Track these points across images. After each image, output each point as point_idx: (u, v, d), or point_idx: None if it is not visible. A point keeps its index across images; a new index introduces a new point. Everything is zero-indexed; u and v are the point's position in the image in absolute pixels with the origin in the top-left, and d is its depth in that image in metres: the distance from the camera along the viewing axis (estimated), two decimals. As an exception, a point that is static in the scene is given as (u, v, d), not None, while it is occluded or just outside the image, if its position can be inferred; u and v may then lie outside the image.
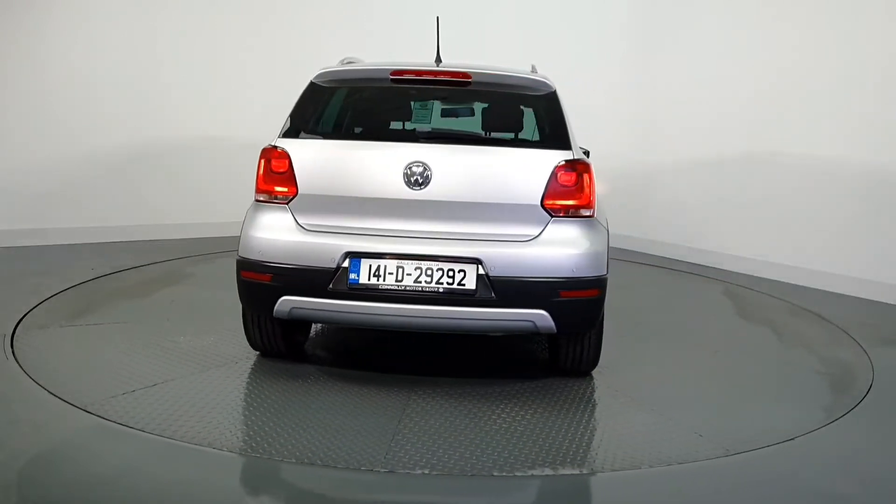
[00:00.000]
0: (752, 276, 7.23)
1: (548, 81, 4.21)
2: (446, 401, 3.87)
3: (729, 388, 4.33)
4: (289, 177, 3.90)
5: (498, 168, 3.88)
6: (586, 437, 3.55)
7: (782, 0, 7.23)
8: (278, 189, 3.91)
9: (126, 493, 2.89)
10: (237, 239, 3.99)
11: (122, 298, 5.57)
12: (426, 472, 3.13)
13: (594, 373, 4.35)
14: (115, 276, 6.17)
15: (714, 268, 7.59)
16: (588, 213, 3.88)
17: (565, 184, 3.83)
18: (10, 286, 5.66)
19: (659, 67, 8.27)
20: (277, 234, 3.86)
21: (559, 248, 3.78)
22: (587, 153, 4.85)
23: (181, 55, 7.82)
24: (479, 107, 4.59)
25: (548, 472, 3.20)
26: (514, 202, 3.83)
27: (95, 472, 3.03)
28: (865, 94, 6.60)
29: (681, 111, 8.00)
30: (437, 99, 4.49)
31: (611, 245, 4.08)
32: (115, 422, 3.42)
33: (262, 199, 3.98)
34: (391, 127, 4.53)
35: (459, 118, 4.69)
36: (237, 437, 3.40)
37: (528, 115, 4.37)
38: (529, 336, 4.55)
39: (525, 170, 3.87)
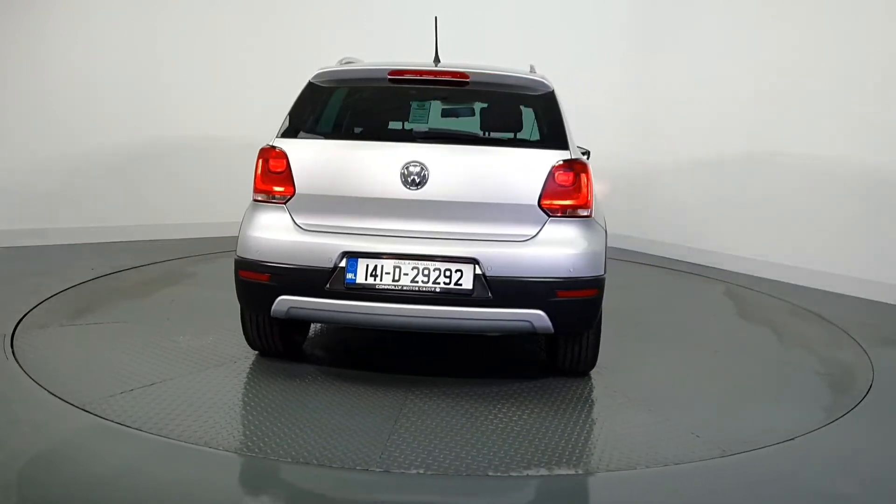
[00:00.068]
0: (752, 276, 7.23)
1: (546, 81, 4.21)
2: (443, 401, 3.87)
3: (728, 388, 4.32)
4: (286, 177, 3.90)
5: (495, 168, 3.88)
6: (583, 438, 3.54)
7: (782, 0, 7.22)
8: (276, 189, 3.92)
9: (126, 493, 2.90)
10: (237, 239, 3.99)
11: (122, 298, 5.58)
12: (421, 471, 3.13)
13: (593, 373, 4.34)
14: (115, 276, 6.18)
15: (714, 268, 7.60)
16: (585, 213, 3.88)
17: (563, 184, 3.83)
18: (10, 286, 5.67)
19: (659, 67, 8.27)
20: (275, 233, 3.87)
21: (556, 248, 3.78)
22: (587, 153, 4.85)
23: (181, 55, 7.83)
24: (477, 107, 4.59)
25: (543, 472, 3.20)
26: (511, 202, 3.83)
27: (95, 472, 3.03)
28: (865, 94, 6.60)
29: (681, 111, 8.00)
30: (435, 99, 4.49)
31: (611, 245, 4.08)
32: (113, 421, 3.43)
33: (259, 198, 3.99)
34: (389, 127, 4.53)
35: (459, 118, 4.69)
36: (234, 437, 3.40)
37: (527, 115, 4.37)
38: (528, 336, 4.54)
39: (522, 170, 3.87)
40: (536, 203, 3.81)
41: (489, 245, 3.75)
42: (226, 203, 6.56)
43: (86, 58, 7.35)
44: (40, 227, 7.19)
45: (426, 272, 3.71)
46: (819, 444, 3.61)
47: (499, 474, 3.15)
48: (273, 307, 3.85)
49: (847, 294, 6.64)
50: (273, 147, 3.98)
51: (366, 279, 3.72)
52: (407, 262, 3.72)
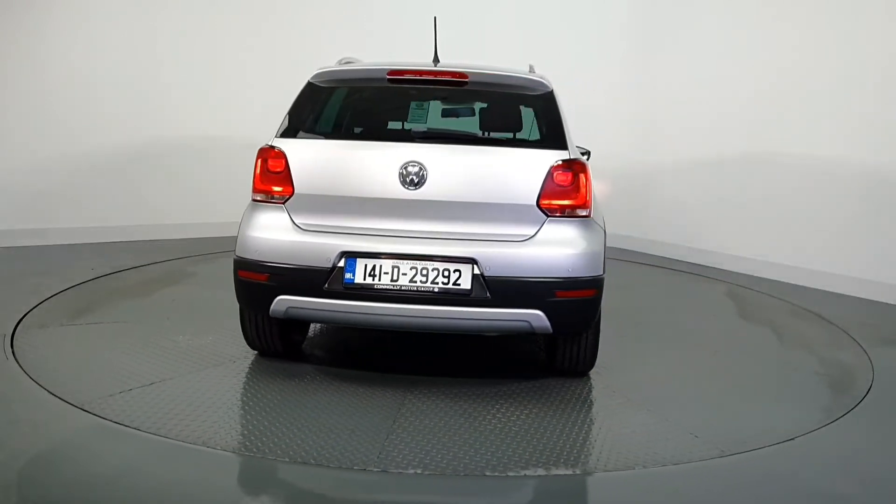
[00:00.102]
0: (752, 276, 7.23)
1: (545, 81, 4.21)
2: (442, 400, 3.87)
3: (728, 388, 4.32)
4: (285, 176, 3.91)
5: (494, 168, 3.88)
6: (581, 438, 3.54)
7: (782, 0, 7.22)
8: (275, 189, 3.92)
9: (126, 493, 2.90)
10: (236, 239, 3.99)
11: (122, 298, 5.58)
12: (419, 471, 3.13)
13: (592, 373, 4.34)
14: (116, 276, 6.19)
15: (714, 268, 7.59)
16: (584, 213, 3.87)
17: (561, 183, 3.82)
18: (10, 286, 5.67)
19: (659, 67, 8.27)
20: (274, 233, 3.87)
21: (555, 248, 3.77)
22: (588, 153, 4.85)
23: (181, 55, 7.83)
24: (476, 107, 4.59)
25: (540, 472, 3.20)
26: (509, 202, 3.82)
27: (95, 472, 3.03)
28: (865, 94, 6.59)
29: (681, 111, 8.00)
30: (434, 99, 4.49)
31: (610, 245, 4.08)
32: (111, 420, 3.43)
33: (258, 198, 3.99)
34: (388, 127, 4.53)
35: (459, 118, 4.69)
36: (232, 437, 3.40)
37: (526, 115, 4.37)
38: (528, 336, 4.54)
39: (521, 169, 3.87)
40: (535, 203, 3.81)
41: (487, 245, 3.75)
42: (226, 203, 6.55)
43: (86, 58, 7.36)
44: (40, 227, 7.19)
45: (424, 272, 3.71)
46: (819, 444, 3.60)
47: (496, 474, 3.15)
48: (272, 307, 3.85)
49: (847, 294, 6.64)
50: (272, 147, 3.98)
51: (364, 279, 3.72)
52: (405, 262, 3.72)
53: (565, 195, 3.83)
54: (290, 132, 4.07)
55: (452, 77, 4.07)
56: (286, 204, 3.90)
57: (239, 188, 5.18)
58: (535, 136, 4.20)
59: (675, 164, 8.15)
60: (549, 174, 3.82)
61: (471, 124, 4.56)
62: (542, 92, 4.17)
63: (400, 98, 4.43)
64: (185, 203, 7.92)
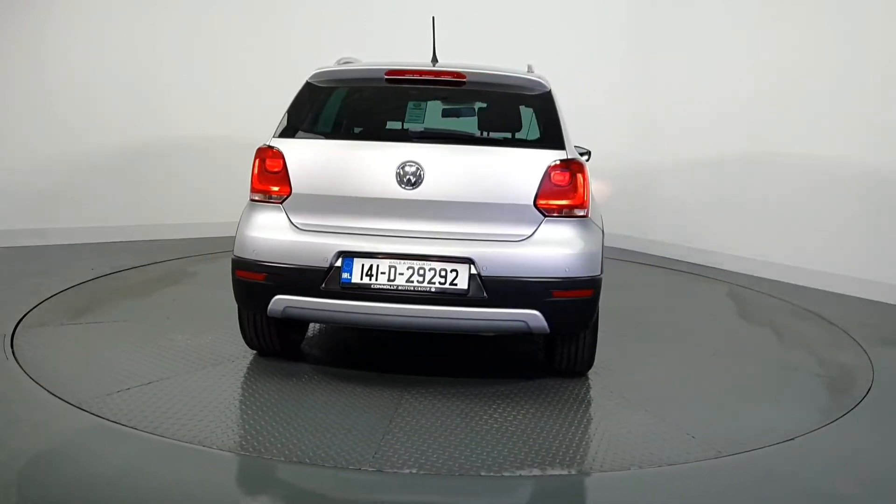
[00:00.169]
0: (753, 276, 7.23)
1: (543, 81, 4.21)
2: (439, 400, 3.87)
3: (728, 388, 4.31)
4: (283, 176, 3.91)
5: (491, 168, 3.88)
6: (577, 438, 3.53)
7: (782, 0, 7.21)
8: (272, 189, 3.92)
9: (126, 493, 2.90)
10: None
11: (122, 298, 5.59)
12: (414, 471, 3.13)
13: (591, 373, 4.33)
14: (116, 276, 6.19)
15: (714, 268, 7.59)
16: (582, 213, 3.87)
17: (559, 183, 3.82)
18: (10, 286, 5.68)
19: (659, 67, 8.27)
20: (271, 233, 3.87)
21: (552, 248, 3.77)
22: (588, 154, 4.85)
23: (181, 55, 7.84)
24: (474, 106, 4.59)
25: (536, 472, 3.19)
26: (507, 202, 3.82)
27: (95, 472, 3.03)
28: (865, 94, 6.59)
29: (681, 111, 7.99)
30: (432, 99, 4.48)
31: (611, 245, 4.08)
32: (108, 419, 3.44)
33: (256, 198, 3.99)
34: (386, 127, 4.52)
35: (456, 118, 4.68)
36: (228, 436, 3.40)
37: (524, 115, 4.37)
38: (527, 336, 4.54)
39: (518, 169, 3.86)
40: (532, 203, 3.80)
41: (485, 245, 3.75)
42: (226, 203, 6.55)
43: (86, 58, 7.36)
44: (40, 227, 7.20)
45: (421, 272, 3.71)
46: (819, 444, 3.60)
47: (492, 474, 3.15)
48: (269, 306, 3.85)
49: (847, 294, 6.64)
50: (270, 147, 3.98)
51: (361, 279, 3.72)
52: (402, 261, 3.72)
53: (563, 195, 3.82)
54: (288, 132, 4.07)
55: (450, 77, 4.07)
56: (284, 204, 3.90)
57: (239, 188, 5.18)
58: (533, 135, 4.20)
59: (675, 164, 8.15)
60: (547, 174, 3.82)
61: (469, 124, 4.56)
62: (540, 92, 4.16)
63: (398, 98, 4.43)
64: (185, 203, 7.93)
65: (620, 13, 8.54)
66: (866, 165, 6.60)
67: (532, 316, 3.71)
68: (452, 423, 3.61)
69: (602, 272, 3.91)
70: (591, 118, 7.46)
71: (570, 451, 3.39)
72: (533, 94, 4.18)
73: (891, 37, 6.44)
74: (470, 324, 3.77)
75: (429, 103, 4.48)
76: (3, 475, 2.94)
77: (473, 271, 3.69)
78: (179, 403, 3.67)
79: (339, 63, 4.53)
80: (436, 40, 4.70)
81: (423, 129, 4.39)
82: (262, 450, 3.25)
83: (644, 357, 4.76)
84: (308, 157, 3.98)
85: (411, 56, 4.84)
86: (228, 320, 4.58)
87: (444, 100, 4.53)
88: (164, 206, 7.88)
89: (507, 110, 4.36)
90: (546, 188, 3.81)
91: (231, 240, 4.03)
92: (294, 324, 4.41)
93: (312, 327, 4.92)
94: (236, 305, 4.15)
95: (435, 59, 4.61)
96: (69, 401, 3.61)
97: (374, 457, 3.23)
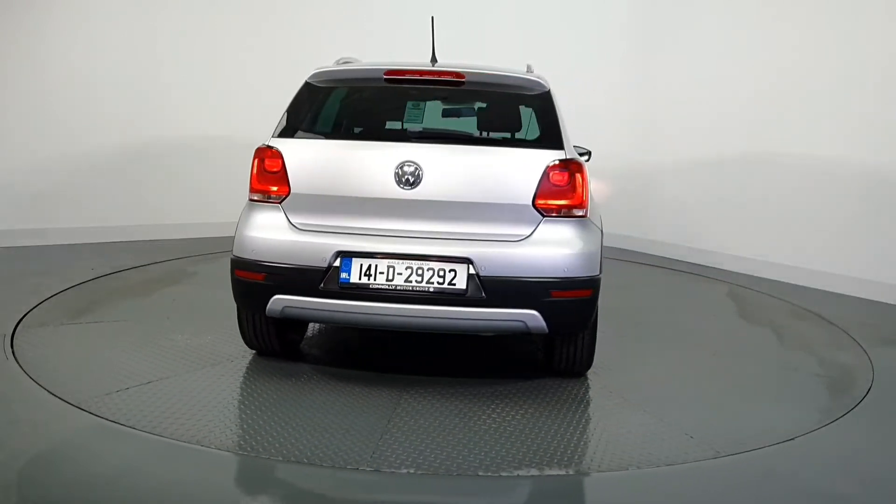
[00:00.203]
0: (753, 276, 7.23)
1: (542, 81, 4.20)
2: (438, 400, 3.87)
3: (728, 388, 4.31)
4: (281, 176, 3.91)
5: (490, 168, 3.88)
6: (575, 438, 3.53)
7: (782, 0, 7.21)
8: (271, 188, 3.92)
9: (126, 493, 2.90)
10: None
11: (122, 298, 5.59)
12: (411, 471, 3.13)
13: (590, 373, 4.33)
14: (116, 276, 6.19)
15: (714, 268, 7.59)
16: (581, 213, 3.86)
17: (557, 183, 3.82)
18: (10, 286, 5.68)
19: (659, 67, 8.26)
20: (270, 233, 3.87)
21: (550, 248, 3.76)
22: (589, 154, 4.85)
23: (181, 55, 7.84)
24: (474, 106, 4.59)
25: (534, 472, 3.19)
26: (505, 202, 3.81)
27: (95, 472, 3.03)
28: (865, 94, 6.58)
29: (681, 111, 7.99)
30: (431, 99, 4.48)
31: (611, 245, 4.08)
32: (108, 419, 3.44)
33: (255, 198, 3.99)
34: (384, 127, 4.52)
35: (459, 118, 4.69)
36: (226, 436, 3.40)
37: (523, 115, 4.37)
38: (527, 336, 4.54)
39: (517, 169, 3.86)
40: (531, 203, 3.80)
41: (483, 245, 3.75)
42: (226, 203, 6.55)
43: (86, 58, 7.37)
44: (40, 227, 7.20)
45: (420, 272, 3.70)
46: (819, 444, 3.60)
47: (489, 474, 3.14)
48: (268, 306, 3.85)
49: (847, 294, 6.63)
50: (269, 147, 3.99)
51: (360, 279, 3.72)
52: (401, 261, 3.72)
53: (561, 195, 3.82)
54: (286, 132, 4.08)
55: (449, 77, 4.07)
56: (282, 203, 3.91)
57: (239, 188, 5.18)
58: (532, 135, 4.20)
59: (675, 164, 8.14)
60: (546, 174, 3.81)
61: (468, 124, 4.56)
62: (538, 92, 4.16)
63: (397, 98, 4.42)
64: (185, 203, 7.93)
65: (620, 13, 8.54)
66: (866, 165, 6.60)
67: (530, 316, 3.71)
68: (451, 422, 3.60)
69: (601, 272, 3.91)
70: (591, 118, 7.46)
71: (569, 452, 3.38)
72: (532, 93, 4.17)
73: (891, 37, 6.44)
74: (468, 324, 3.77)
75: (428, 103, 4.48)
76: (3, 475, 2.94)
77: (472, 271, 3.69)
78: (178, 403, 3.67)
79: (338, 63, 4.53)
80: (435, 40, 4.70)
81: (421, 129, 4.39)
82: (261, 449, 3.25)
83: (644, 357, 4.76)
84: (307, 157, 3.98)
85: (411, 56, 4.84)
86: (228, 320, 4.58)
87: (443, 100, 4.53)
88: (164, 206, 7.89)
89: (506, 110, 4.35)
90: (545, 188, 3.80)
91: (231, 240, 4.04)
92: (293, 324, 4.41)
93: (312, 327, 4.92)
94: (235, 305, 4.15)
95: (434, 59, 4.61)
96: (69, 400, 3.61)
97: (371, 457, 3.22)
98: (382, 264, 3.73)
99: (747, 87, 7.43)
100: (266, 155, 3.96)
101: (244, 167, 4.05)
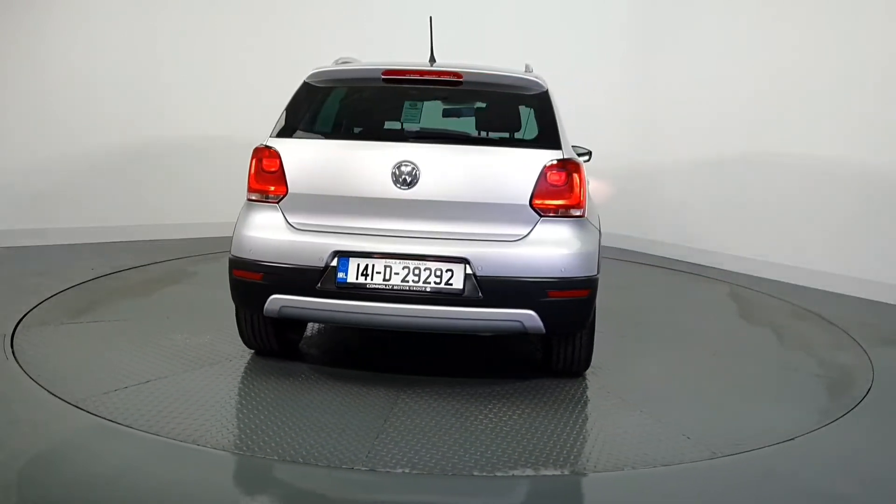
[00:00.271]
0: (753, 276, 7.22)
1: (540, 81, 4.20)
2: (435, 400, 3.87)
3: (727, 388, 4.30)
4: (279, 176, 3.91)
5: (487, 168, 3.87)
6: (572, 438, 3.53)
7: (782, 0, 7.20)
8: (269, 188, 3.93)
9: (126, 493, 2.90)
10: None
11: (122, 298, 5.60)
12: (406, 470, 3.13)
13: (588, 373, 4.33)
14: (116, 276, 6.20)
15: (714, 268, 7.58)
16: (578, 213, 3.86)
17: (555, 183, 3.81)
18: (10, 286, 5.68)
19: (659, 67, 8.26)
20: (268, 233, 3.88)
21: (548, 248, 3.76)
22: (589, 154, 4.84)
23: (181, 55, 7.84)
24: (474, 106, 4.59)
25: (529, 472, 3.19)
26: (502, 202, 3.81)
27: (95, 472, 3.03)
28: (865, 94, 6.58)
29: (681, 111, 7.98)
30: (429, 99, 4.48)
31: (611, 245, 4.08)
32: (106, 418, 3.44)
33: (253, 198, 4.00)
34: (382, 127, 4.51)
35: (456, 118, 4.68)
36: (223, 435, 3.40)
37: (521, 115, 4.36)
38: (526, 336, 4.54)
39: (514, 169, 3.85)
40: (528, 203, 3.79)
41: (480, 245, 3.74)
42: (226, 203, 6.55)
43: (86, 58, 7.37)
44: (40, 227, 7.20)
45: (417, 272, 3.70)
46: (819, 444, 3.59)
47: (484, 474, 3.14)
48: (265, 306, 3.85)
49: (847, 294, 6.62)
50: (266, 147, 3.99)
51: (357, 278, 3.72)
52: (398, 261, 3.72)
53: (559, 195, 3.82)
54: (285, 132, 4.08)
55: (447, 77, 4.07)
56: (280, 203, 3.91)
57: (238, 188, 5.17)
58: (530, 135, 4.20)
59: (675, 164, 8.14)
60: (543, 174, 3.81)
61: (466, 124, 4.56)
62: (536, 92, 4.15)
63: (395, 98, 4.42)
64: (185, 203, 7.93)
65: (620, 13, 8.54)
66: (866, 165, 6.59)
67: (527, 316, 3.71)
68: (447, 422, 3.60)
69: (599, 272, 3.90)
70: (591, 118, 7.46)
71: (564, 452, 3.38)
72: (530, 93, 4.17)
73: (891, 37, 6.43)
74: (465, 324, 3.77)
75: (426, 103, 4.48)
76: (3, 475, 2.94)
77: (469, 271, 3.69)
78: (176, 402, 3.67)
79: (337, 63, 4.53)
80: (433, 40, 4.70)
81: (419, 129, 4.39)
82: (256, 449, 3.25)
83: (643, 357, 4.75)
84: (304, 157, 3.98)
85: (411, 56, 4.84)
86: (227, 320, 4.58)
87: (441, 100, 4.53)
88: (164, 206, 7.89)
89: (504, 110, 4.35)
90: (542, 188, 3.80)
91: (230, 240, 4.04)
92: (292, 323, 4.41)
93: (311, 327, 4.92)
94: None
95: (433, 59, 4.61)
96: (68, 400, 3.62)
97: (367, 456, 3.22)
98: (379, 264, 3.73)
99: (747, 87, 7.42)
100: (264, 155, 3.96)
101: (244, 167, 4.05)
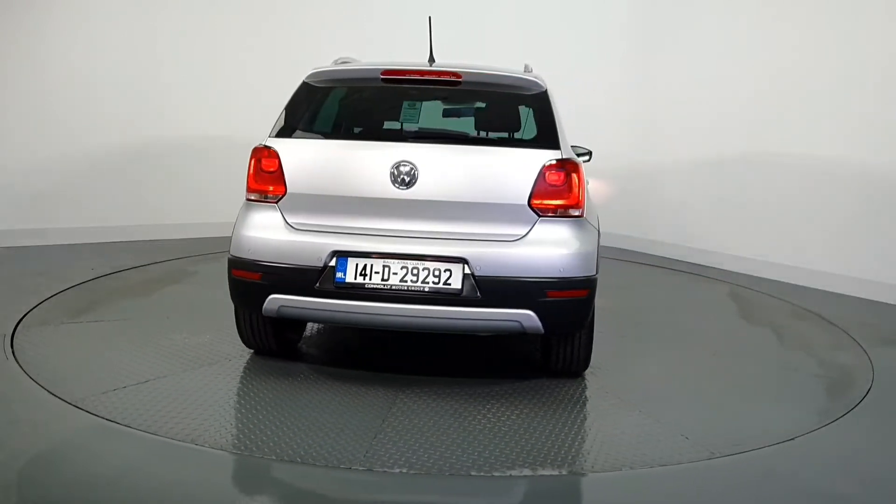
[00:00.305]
0: (753, 276, 7.21)
1: (539, 81, 4.20)
2: (434, 400, 3.87)
3: (727, 388, 4.30)
4: (278, 176, 3.91)
5: (485, 167, 3.87)
6: (570, 438, 3.52)
7: (782, 0, 7.20)
8: (268, 188, 3.93)
9: (126, 493, 2.90)
10: None
11: (122, 297, 5.60)
12: (404, 470, 3.13)
13: (587, 373, 4.32)
14: (116, 276, 6.20)
15: (714, 268, 7.58)
16: (577, 213, 3.86)
17: (553, 183, 3.81)
18: (10, 286, 5.69)
19: (659, 67, 8.26)
20: (266, 232, 3.88)
21: (546, 248, 3.76)
22: (589, 154, 4.84)
23: (181, 55, 7.85)
24: (474, 106, 4.59)
25: (526, 472, 3.19)
26: (501, 202, 3.81)
27: (95, 472, 3.03)
28: (865, 94, 6.57)
29: (681, 111, 7.98)
30: (428, 99, 4.48)
31: (611, 245, 4.07)
32: (105, 418, 3.44)
33: (252, 198, 4.00)
34: (381, 127, 4.52)
35: (456, 118, 4.68)
36: (221, 435, 3.40)
37: (519, 115, 4.36)
38: (525, 336, 4.53)
39: (513, 169, 3.85)
40: (526, 203, 3.79)
41: (479, 245, 3.74)
42: (225, 203, 6.55)
43: (86, 58, 7.37)
44: (40, 227, 7.21)
45: (415, 272, 3.70)
46: (819, 444, 3.59)
47: (482, 474, 3.14)
48: (264, 306, 3.85)
49: (847, 294, 6.62)
50: (265, 147, 3.99)
51: (355, 278, 3.72)
52: (396, 261, 3.72)
53: (557, 195, 3.81)
54: (284, 132, 4.08)
55: (446, 77, 4.07)
56: (279, 203, 3.91)
57: (238, 188, 5.16)
58: (529, 135, 4.19)
59: (675, 164, 8.14)
60: (541, 174, 3.81)
61: (465, 124, 4.55)
62: (535, 91, 4.15)
63: (394, 98, 4.42)
64: (185, 203, 7.93)
65: (620, 13, 8.53)
66: (866, 165, 6.58)
67: (526, 316, 3.71)
68: (445, 422, 3.60)
69: (597, 272, 3.90)
70: (591, 118, 7.46)
71: (562, 452, 3.38)
72: (529, 93, 4.17)
73: (891, 37, 6.42)
74: (464, 324, 3.77)
75: (426, 103, 4.48)
76: (3, 475, 2.94)
77: (467, 271, 3.69)
78: (175, 402, 3.68)
79: (336, 62, 4.53)
80: (433, 40, 4.70)
81: (417, 129, 4.39)
82: (255, 448, 3.26)
83: (643, 357, 4.75)
84: (303, 157, 3.98)
85: (411, 56, 4.83)
86: (227, 320, 4.58)
87: (440, 100, 4.53)
88: (164, 206, 7.89)
89: (503, 110, 4.35)
90: (540, 188, 3.80)
91: (230, 239, 4.04)
92: (291, 323, 4.41)
93: (311, 327, 4.93)
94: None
95: (432, 59, 4.61)
96: (68, 400, 3.62)
97: (365, 456, 3.22)
98: (378, 264, 3.73)
99: (747, 87, 7.42)
100: (263, 155, 3.96)
101: (244, 167, 4.06)
